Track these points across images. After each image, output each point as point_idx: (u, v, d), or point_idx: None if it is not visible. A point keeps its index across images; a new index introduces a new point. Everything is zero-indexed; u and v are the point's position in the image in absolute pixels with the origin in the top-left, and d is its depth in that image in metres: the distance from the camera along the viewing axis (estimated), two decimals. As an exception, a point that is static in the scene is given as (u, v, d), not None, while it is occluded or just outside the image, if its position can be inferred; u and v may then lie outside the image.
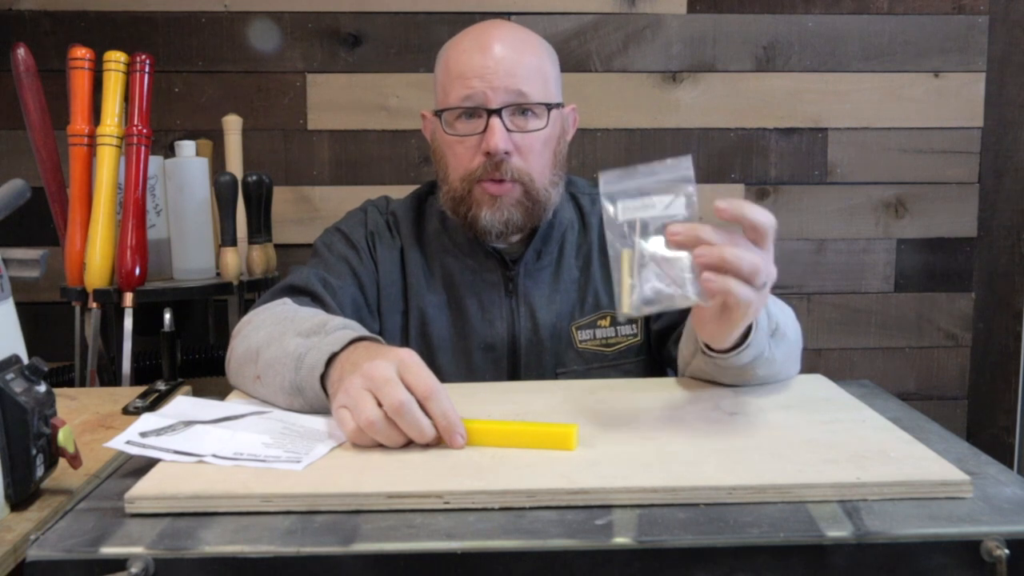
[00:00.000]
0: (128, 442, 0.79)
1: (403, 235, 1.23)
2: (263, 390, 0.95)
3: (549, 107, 1.14)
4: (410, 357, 0.81)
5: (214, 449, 0.78)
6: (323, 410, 0.90)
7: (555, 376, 1.17)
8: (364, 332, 0.92)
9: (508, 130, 1.11)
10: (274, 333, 0.97)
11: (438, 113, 1.16)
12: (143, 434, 0.81)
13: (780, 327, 0.94)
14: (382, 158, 1.87)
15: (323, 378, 0.87)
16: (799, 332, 1.05)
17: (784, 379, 1.01)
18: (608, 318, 1.19)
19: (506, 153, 1.11)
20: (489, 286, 1.19)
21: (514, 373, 1.18)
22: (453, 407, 0.79)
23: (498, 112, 1.11)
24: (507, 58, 1.12)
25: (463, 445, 0.79)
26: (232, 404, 0.94)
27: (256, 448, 0.79)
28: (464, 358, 1.17)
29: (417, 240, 1.22)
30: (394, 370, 0.79)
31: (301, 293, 1.12)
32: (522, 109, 1.13)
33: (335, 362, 0.87)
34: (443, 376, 1.15)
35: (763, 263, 0.77)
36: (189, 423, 0.84)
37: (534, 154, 1.14)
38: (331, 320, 0.96)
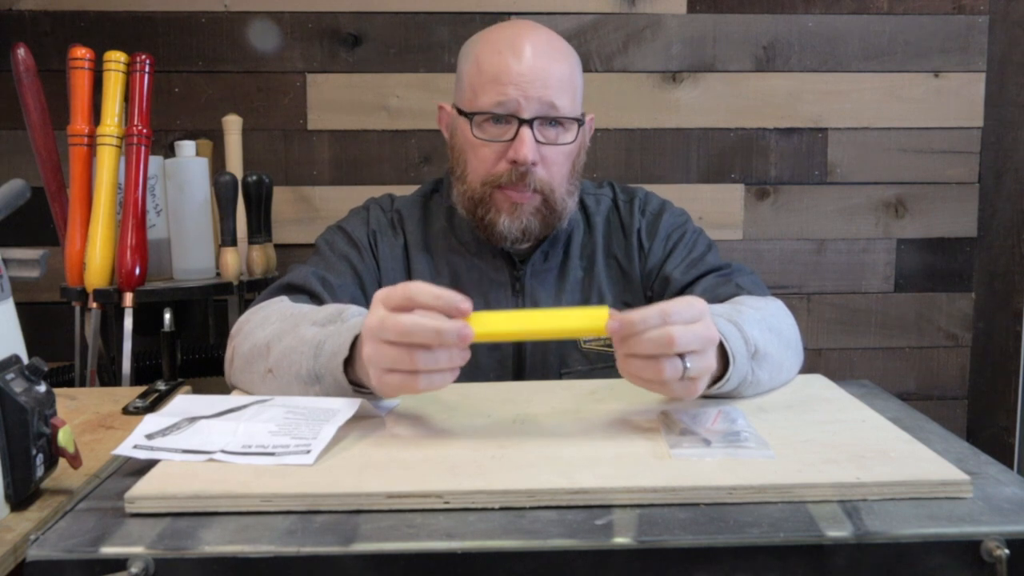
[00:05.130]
0: (135, 446, 0.79)
1: (408, 233, 1.22)
2: (275, 383, 0.95)
3: (579, 123, 1.15)
4: (381, 292, 0.82)
5: (222, 444, 0.78)
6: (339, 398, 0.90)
7: (559, 376, 1.17)
8: None
9: (537, 141, 1.11)
10: (285, 327, 0.97)
11: (466, 114, 1.15)
12: (149, 436, 0.81)
13: (760, 349, 0.93)
14: (382, 158, 1.87)
15: (346, 363, 0.88)
16: (793, 333, 1.04)
17: (782, 384, 1.01)
18: None
19: (532, 164, 1.11)
20: (496, 285, 1.19)
21: (519, 373, 1.18)
22: (439, 289, 0.80)
23: (529, 123, 1.10)
24: (541, 67, 1.11)
25: (470, 309, 0.79)
26: (233, 397, 0.94)
27: (263, 438, 0.79)
28: (470, 357, 1.17)
29: (423, 238, 1.22)
30: (379, 310, 0.80)
31: (299, 291, 1.11)
32: (552, 121, 1.12)
33: (358, 348, 0.87)
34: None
35: (675, 339, 0.79)
36: (193, 419, 0.84)
37: (557, 166, 1.14)
38: (347, 308, 0.97)
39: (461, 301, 0.79)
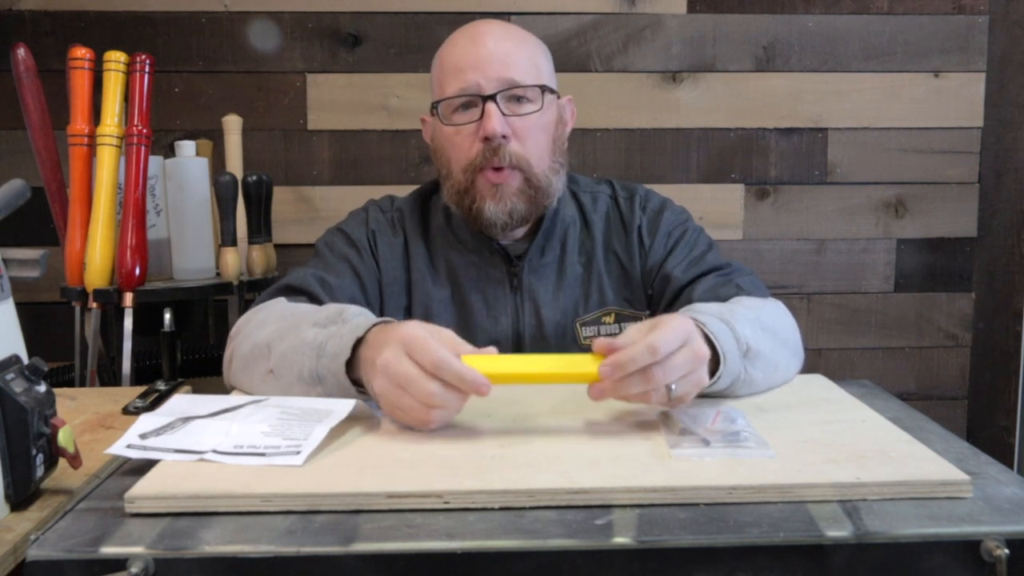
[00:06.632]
0: (129, 446, 0.79)
1: (408, 230, 1.23)
2: (276, 383, 0.95)
3: (543, 89, 1.16)
4: (411, 336, 0.82)
5: (214, 444, 0.79)
6: (341, 398, 0.90)
7: (556, 374, 1.17)
8: (379, 319, 0.93)
9: (504, 115, 1.13)
10: (285, 327, 0.98)
11: (435, 105, 1.17)
12: (143, 435, 0.81)
13: (753, 348, 0.94)
14: (382, 158, 1.87)
15: (348, 364, 0.89)
16: (791, 333, 1.05)
17: (781, 383, 1.01)
18: (613, 315, 1.20)
19: (503, 137, 1.12)
20: (494, 282, 1.20)
21: None
22: (463, 366, 0.81)
23: (492, 98, 1.12)
24: (500, 49, 1.14)
25: (489, 392, 0.81)
26: (229, 397, 0.94)
27: (255, 439, 0.79)
28: None
29: (422, 235, 1.23)
30: (404, 357, 0.81)
31: (297, 293, 1.12)
32: (516, 94, 1.14)
33: (360, 350, 0.89)
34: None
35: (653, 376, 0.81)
36: (187, 419, 0.84)
37: (531, 138, 1.15)
38: (347, 309, 0.97)
39: (483, 386, 0.81)
